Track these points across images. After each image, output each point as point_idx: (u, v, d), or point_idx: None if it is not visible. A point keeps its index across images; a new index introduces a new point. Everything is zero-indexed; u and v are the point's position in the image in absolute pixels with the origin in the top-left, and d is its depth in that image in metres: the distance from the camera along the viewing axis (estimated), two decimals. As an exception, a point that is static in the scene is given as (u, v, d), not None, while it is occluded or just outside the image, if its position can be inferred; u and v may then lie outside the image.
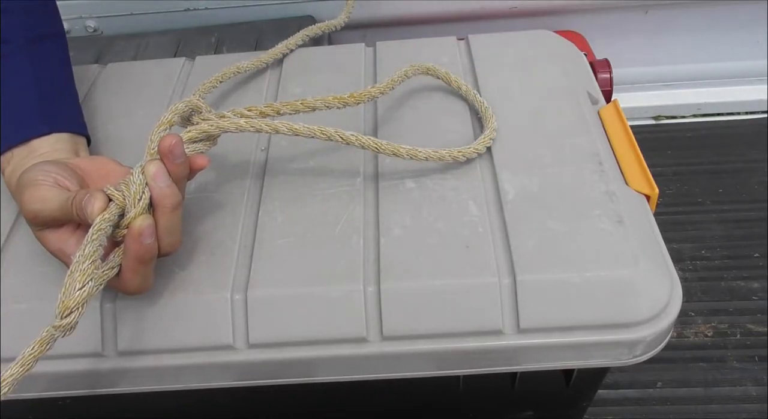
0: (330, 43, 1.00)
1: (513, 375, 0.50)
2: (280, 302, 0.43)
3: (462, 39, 0.63)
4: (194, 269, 0.45)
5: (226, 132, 0.45)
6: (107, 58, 0.89)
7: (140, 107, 0.58)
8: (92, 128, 0.56)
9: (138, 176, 0.39)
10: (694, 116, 1.18)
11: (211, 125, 0.45)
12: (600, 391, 0.80)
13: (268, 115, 0.48)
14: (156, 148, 0.41)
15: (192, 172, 0.43)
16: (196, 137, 0.44)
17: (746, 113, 1.17)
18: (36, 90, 0.48)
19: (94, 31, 0.99)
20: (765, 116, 1.15)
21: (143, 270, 0.39)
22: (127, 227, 0.39)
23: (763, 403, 0.79)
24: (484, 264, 0.43)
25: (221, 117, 0.46)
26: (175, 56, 0.86)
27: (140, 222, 0.38)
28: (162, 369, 0.44)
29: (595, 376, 0.54)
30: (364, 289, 0.43)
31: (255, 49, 0.88)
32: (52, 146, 0.46)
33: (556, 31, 0.63)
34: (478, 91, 0.56)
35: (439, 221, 0.46)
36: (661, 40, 1.11)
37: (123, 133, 0.56)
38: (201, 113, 0.46)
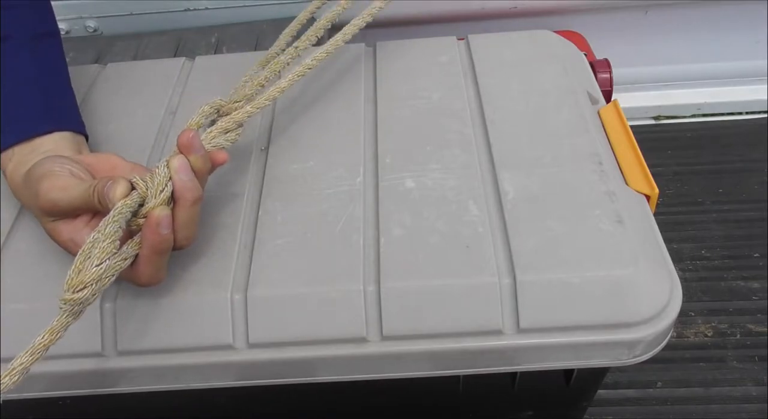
0: (330, 43, 0.99)
1: (513, 375, 0.50)
2: (280, 302, 0.43)
3: (462, 39, 0.63)
4: (194, 269, 0.45)
5: (242, 124, 0.48)
6: (107, 58, 0.89)
7: (140, 107, 0.58)
8: (92, 127, 0.56)
9: (163, 169, 0.40)
10: (694, 116, 1.18)
11: (228, 121, 0.46)
12: (600, 391, 0.80)
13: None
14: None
15: (213, 166, 0.44)
16: (216, 135, 0.46)
17: (746, 113, 1.17)
18: (39, 87, 0.48)
19: (94, 31, 0.99)
20: (765, 116, 1.15)
21: (158, 261, 0.40)
22: (144, 217, 0.39)
23: (763, 403, 0.79)
24: (484, 264, 0.43)
25: (235, 110, 0.48)
26: (175, 56, 0.86)
27: (159, 212, 0.39)
28: (162, 369, 0.44)
29: (595, 376, 0.54)
30: (364, 289, 0.43)
31: (255, 50, 0.88)
32: (55, 144, 0.46)
33: (556, 31, 0.63)
34: (478, 91, 0.56)
35: (439, 221, 0.46)
36: (661, 40, 1.11)
37: (123, 133, 0.56)
38: (223, 109, 0.48)
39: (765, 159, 1.06)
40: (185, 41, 0.92)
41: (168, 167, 0.40)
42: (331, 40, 0.53)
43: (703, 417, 0.79)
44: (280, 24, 0.95)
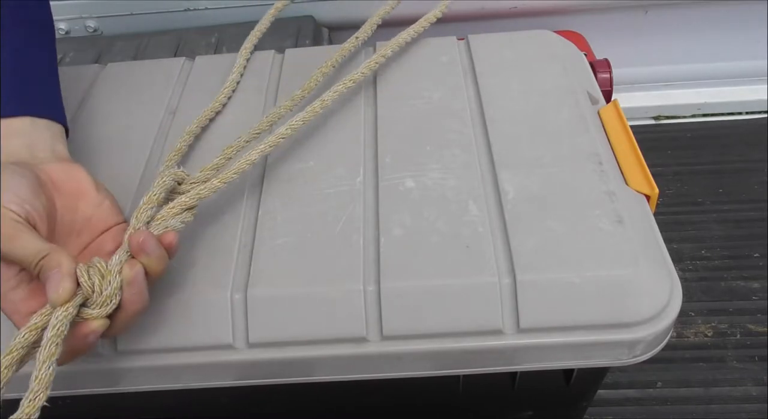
0: (330, 43, 1.00)
1: (513, 375, 0.50)
2: (280, 301, 0.43)
3: (462, 39, 0.63)
4: (194, 269, 0.44)
5: (194, 206, 0.44)
6: (107, 58, 0.89)
7: (140, 107, 0.58)
8: (92, 127, 0.56)
9: (115, 277, 0.37)
10: (694, 116, 1.18)
11: (191, 197, 0.43)
12: (600, 391, 0.80)
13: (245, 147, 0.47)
14: (141, 228, 0.40)
15: (169, 253, 0.40)
16: (176, 213, 0.42)
17: (746, 113, 1.17)
18: (12, 69, 0.44)
19: (94, 31, 0.99)
20: (765, 116, 1.15)
21: (73, 358, 0.38)
22: (80, 315, 0.36)
23: (763, 403, 0.79)
24: (484, 264, 0.43)
25: (202, 182, 0.44)
26: (175, 56, 0.86)
27: (97, 325, 0.36)
28: (162, 369, 0.44)
29: (595, 376, 0.54)
30: (364, 289, 0.43)
31: (255, 50, 0.88)
32: (26, 134, 0.42)
33: (556, 31, 0.63)
34: (478, 91, 0.56)
35: (439, 221, 0.46)
36: (661, 40, 1.11)
37: (123, 133, 0.56)
38: (183, 183, 0.44)
39: (765, 159, 1.06)
40: (185, 41, 0.92)
41: (120, 275, 0.37)
42: (326, 95, 0.51)
43: (703, 417, 0.79)
44: (280, 24, 0.95)
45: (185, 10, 0.97)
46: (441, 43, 0.62)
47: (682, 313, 0.44)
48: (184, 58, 0.64)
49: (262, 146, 0.46)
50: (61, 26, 0.96)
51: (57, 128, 0.45)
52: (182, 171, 0.44)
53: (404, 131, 0.53)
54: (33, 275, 0.37)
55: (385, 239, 0.45)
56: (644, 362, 0.44)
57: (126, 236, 0.39)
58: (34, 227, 0.38)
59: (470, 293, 0.42)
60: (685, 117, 1.18)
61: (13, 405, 0.44)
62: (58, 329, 0.35)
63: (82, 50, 0.91)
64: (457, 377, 0.50)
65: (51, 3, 0.51)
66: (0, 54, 0.44)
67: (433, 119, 0.54)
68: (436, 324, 0.42)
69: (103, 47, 0.92)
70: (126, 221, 0.43)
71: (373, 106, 0.56)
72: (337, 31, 1.01)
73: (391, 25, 0.63)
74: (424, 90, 0.57)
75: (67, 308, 0.35)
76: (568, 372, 0.50)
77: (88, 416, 0.52)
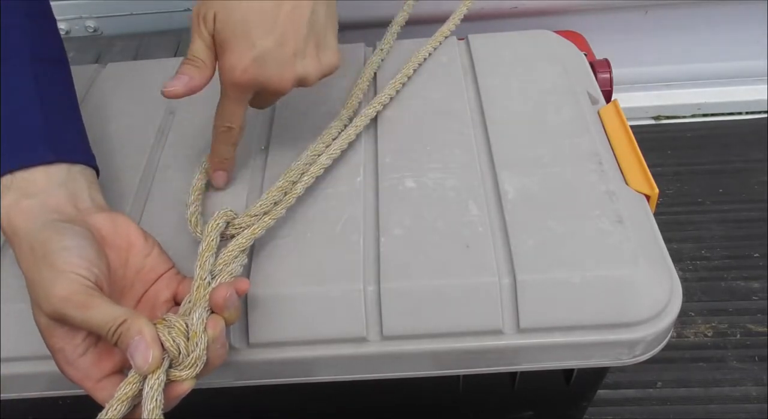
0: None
1: (513, 375, 0.50)
2: (279, 301, 0.43)
3: (462, 39, 0.63)
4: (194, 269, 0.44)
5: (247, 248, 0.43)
6: (107, 58, 0.90)
7: (140, 107, 0.58)
8: (92, 127, 0.55)
9: (201, 337, 0.36)
10: (694, 116, 1.18)
11: (246, 238, 0.42)
12: (600, 391, 0.80)
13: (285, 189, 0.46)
14: (207, 278, 0.38)
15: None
16: (234, 256, 0.41)
17: (746, 113, 1.17)
18: (41, 109, 0.41)
19: (94, 31, 1.00)
20: (765, 116, 1.15)
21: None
22: (168, 377, 0.35)
23: (763, 403, 0.79)
24: (484, 264, 0.43)
25: (250, 219, 0.44)
26: (175, 56, 0.86)
27: (189, 386, 0.36)
28: (162, 369, 0.44)
29: (595, 376, 0.54)
30: (364, 289, 0.43)
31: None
32: (64, 183, 0.40)
33: (556, 31, 0.63)
34: (478, 91, 0.56)
35: (439, 221, 0.46)
36: (661, 40, 1.11)
37: (123, 133, 0.56)
38: (231, 222, 0.43)
39: (765, 159, 1.06)
40: (185, 41, 0.92)
41: (206, 335, 0.36)
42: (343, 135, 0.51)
43: (703, 417, 0.79)
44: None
45: (185, 10, 0.97)
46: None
47: (682, 313, 0.44)
48: (183, 58, 0.64)
49: (306, 178, 0.47)
50: (61, 26, 0.97)
51: (90, 173, 0.43)
52: (231, 211, 0.43)
53: (404, 131, 0.53)
54: (107, 342, 0.35)
55: (385, 239, 0.45)
56: (644, 362, 0.44)
57: (194, 288, 0.38)
58: (102, 290, 0.36)
59: (470, 293, 0.42)
60: (685, 117, 1.18)
61: (14, 405, 0.44)
62: (156, 400, 0.34)
63: (82, 50, 0.91)
64: (457, 377, 0.50)
65: (51, 3, 0.49)
66: (25, 94, 0.41)
67: (433, 119, 0.54)
68: (436, 324, 0.42)
69: (103, 47, 0.92)
70: (174, 266, 0.41)
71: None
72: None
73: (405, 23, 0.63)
74: (424, 90, 0.57)
75: (158, 375, 0.34)
76: (568, 372, 0.50)
77: (88, 416, 0.52)
